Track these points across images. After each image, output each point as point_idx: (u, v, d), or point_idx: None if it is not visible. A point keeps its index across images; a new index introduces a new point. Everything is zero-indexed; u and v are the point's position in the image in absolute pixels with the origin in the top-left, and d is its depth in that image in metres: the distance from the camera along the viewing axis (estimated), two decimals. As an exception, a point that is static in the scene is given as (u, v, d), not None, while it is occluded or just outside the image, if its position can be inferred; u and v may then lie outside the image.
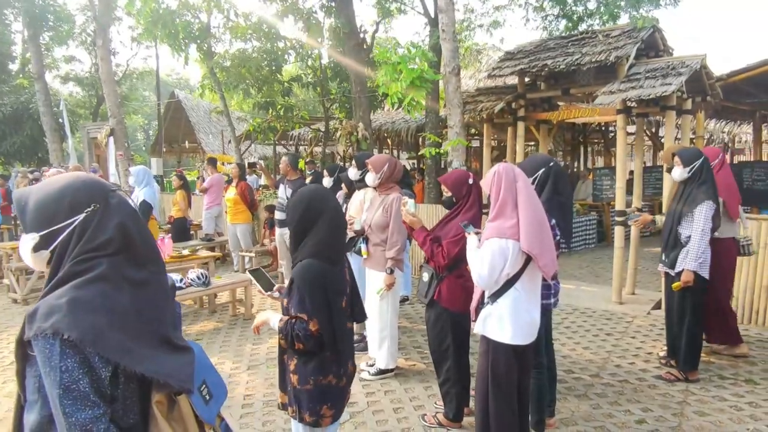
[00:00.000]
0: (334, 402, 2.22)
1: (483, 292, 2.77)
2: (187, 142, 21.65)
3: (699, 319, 3.97)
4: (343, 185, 5.33)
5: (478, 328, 2.71)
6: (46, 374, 1.14)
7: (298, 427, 2.26)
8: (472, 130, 7.94)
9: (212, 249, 9.36)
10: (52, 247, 1.25)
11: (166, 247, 6.06)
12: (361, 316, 2.44)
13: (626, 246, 6.40)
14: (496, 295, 2.65)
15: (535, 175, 3.15)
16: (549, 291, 3.14)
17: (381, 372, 4.17)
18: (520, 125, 7.24)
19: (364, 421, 3.53)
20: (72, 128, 17.17)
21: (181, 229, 8.41)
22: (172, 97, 21.14)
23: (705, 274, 3.83)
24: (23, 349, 1.21)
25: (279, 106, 12.13)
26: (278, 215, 6.88)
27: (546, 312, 3.20)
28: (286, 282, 2.38)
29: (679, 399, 3.76)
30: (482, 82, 11.50)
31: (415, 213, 3.41)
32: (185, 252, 6.06)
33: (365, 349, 4.49)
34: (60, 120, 16.36)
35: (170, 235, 8.69)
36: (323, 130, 12.27)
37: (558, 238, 3.13)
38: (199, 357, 1.41)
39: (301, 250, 2.18)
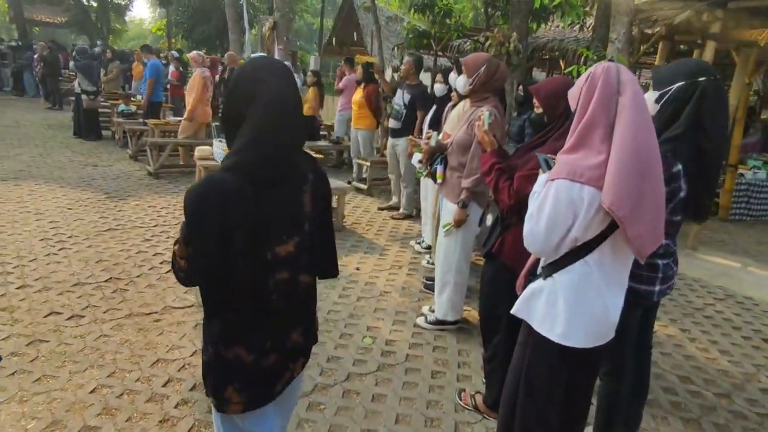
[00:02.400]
0: (245, 385, 1.46)
1: (538, 259, 1.86)
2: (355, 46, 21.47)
3: None
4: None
5: (518, 308, 1.84)
6: None
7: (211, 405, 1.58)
8: (644, 48, 6.17)
9: (340, 153, 9.17)
10: None
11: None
12: (325, 270, 1.64)
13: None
14: (554, 267, 1.73)
15: (667, 89, 1.98)
16: (655, 273, 2.07)
17: (438, 322, 3.45)
18: (710, 46, 5.28)
19: (390, 378, 2.90)
20: (252, 21, 17.89)
21: (310, 127, 8.19)
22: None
23: None
24: None
25: (437, 10, 10.98)
26: (392, 123, 6.18)
27: (644, 303, 2.16)
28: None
29: None
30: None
31: (490, 130, 2.47)
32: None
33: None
34: (240, 12, 17.06)
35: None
36: (483, 41, 10.92)
37: (681, 195, 1.98)
38: None
39: (226, 158, 1.39)
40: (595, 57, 5.62)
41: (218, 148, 6.03)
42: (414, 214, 6.16)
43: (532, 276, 1.87)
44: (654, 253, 2.05)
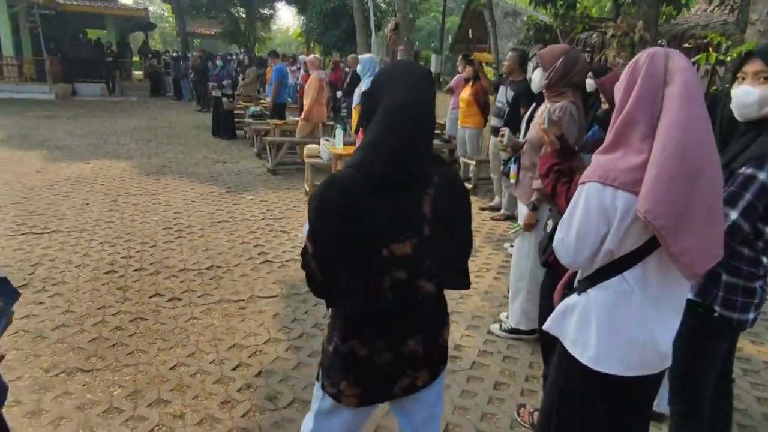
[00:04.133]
0: (359, 381, 1.48)
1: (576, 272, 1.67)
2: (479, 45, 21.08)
3: None
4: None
5: (550, 324, 1.67)
6: None
7: (317, 388, 1.60)
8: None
9: (452, 152, 9.06)
10: None
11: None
12: (451, 281, 1.55)
13: None
14: (589, 282, 1.55)
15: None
16: (751, 299, 1.76)
17: (513, 331, 3.26)
18: None
19: (449, 385, 2.80)
20: (378, 23, 18.37)
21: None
22: (473, -8, 20.52)
23: None
24: None
25: (560, 1, 10.35)
26: (493, 121, 5.97)
27: (735, 334, 1.84)
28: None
29: None
30: None
31: (551, 128, 2.27)
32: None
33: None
34: (367, 16, 17.61)
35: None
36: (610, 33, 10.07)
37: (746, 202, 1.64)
38: None
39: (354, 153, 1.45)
40: (729, 42, 4.88)
41: (324, 147, 6.29)
42: (515, 215, 5.89)
43: (567, 290, 1.68)
44: (753, 275, 1.76)
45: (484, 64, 11.51)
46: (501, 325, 3.35)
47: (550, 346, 2.38)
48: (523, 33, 12.85)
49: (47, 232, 4.82)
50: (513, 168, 3.04)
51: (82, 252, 4.40)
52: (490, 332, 3.37)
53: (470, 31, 19.04)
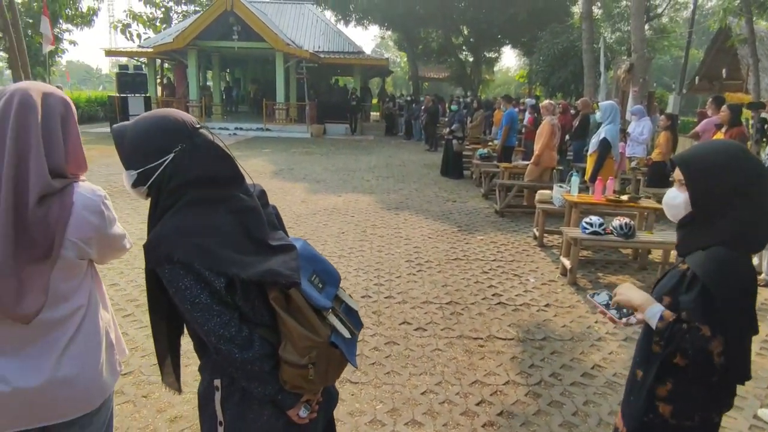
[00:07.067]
0: None
1: None
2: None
3: None
4: None
5: None
6: (173, 294, 1.31)
7: None
8: None
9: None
10: (148, 184, 1.36)
11: (607, 188, 5.71)
12: None
13: None
14: None
15: None
16: None
17: (794, 423, 2.82)
18: None
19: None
20: (608, 64, 17.62)
21: (658, 175, 7.64)
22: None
23: None
24: (153, 277, 1.37)
25: None
26: None
27: None
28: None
29: None
30: None
31: None
32: (623, 198, 5.53)
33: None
34: (597, 56, 17.03)
35: (646, 178, 8.10)
36: None
37: None
38: (304, 251, 1.47)
39: (706, 228, 1.50)
40: None
41: (557, 193, 6.27)
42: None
43: None
44: None
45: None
46: (776, 413, 2.93)
47: None
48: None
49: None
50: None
51: (342, 277, 5.14)
52: (756, 417, 2.97)
53: (723, 70, 16.93)
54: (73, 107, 1.52)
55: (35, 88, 1.43)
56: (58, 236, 1.39)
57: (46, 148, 1.39)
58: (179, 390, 1.58)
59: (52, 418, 1.50)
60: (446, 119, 12.88)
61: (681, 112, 16.03)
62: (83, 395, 1.53)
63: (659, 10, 25.07)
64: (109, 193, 1.68)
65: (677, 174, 1.58)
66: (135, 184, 1.38)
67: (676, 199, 1.60)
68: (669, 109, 13.05)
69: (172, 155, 1.34)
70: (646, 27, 21.03)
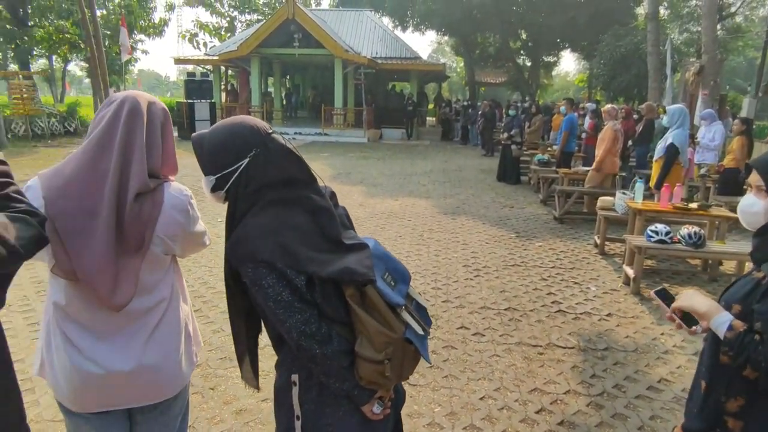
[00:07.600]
0: None
1: None
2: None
3: None
4: None
5: None
6: (255, 293, 1.38)
7: None
8: None
9: None
10: (226, 188, 1.43)
11: (674, 195, 5.49)
12: None
13: None
14: None
15: None
16: None
17: None
18: None
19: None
20: (675, 67, 16.89)
21: (730, 182, 7.28)
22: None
23: None
24: (234, 276, 1.44)
25: None
26: None
27: None
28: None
29: None
30: None
31: None
32: (692, 205, 5.29)
33: None
34: (663, 59, 16.36)
35: (717, 186, 7.71)
36: None
37: None
38: (376, 249, 1.51)
39: None
40: None
41: (620, 200, 6.09)
42: None
43: None
44: None
45: None
46: None
47: None
48: None
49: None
50: None
51: (400, 279, 5.19)
52: None
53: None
54: (170, 115, 1.66)
55: (141, 96, 1.58)
56: (149, 232, 1.51)
57: (148, 152, 1.52)
58: (257, 387, 1.65)
59: (140, 401, 1.63)
60: (503, 124, 12.71)
61: (756, 117, 15.17)
62: (166, 381, 1.65)
63: (733, 9, 23.81)
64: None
65: (754, 179, 1.53)
66: (213, 189, 1.45)
67: (753, 206, 1.54)
68: (743, 113, 12.37)
69: (247, 160, 1.40)
70: (718, 27, 19.98)
